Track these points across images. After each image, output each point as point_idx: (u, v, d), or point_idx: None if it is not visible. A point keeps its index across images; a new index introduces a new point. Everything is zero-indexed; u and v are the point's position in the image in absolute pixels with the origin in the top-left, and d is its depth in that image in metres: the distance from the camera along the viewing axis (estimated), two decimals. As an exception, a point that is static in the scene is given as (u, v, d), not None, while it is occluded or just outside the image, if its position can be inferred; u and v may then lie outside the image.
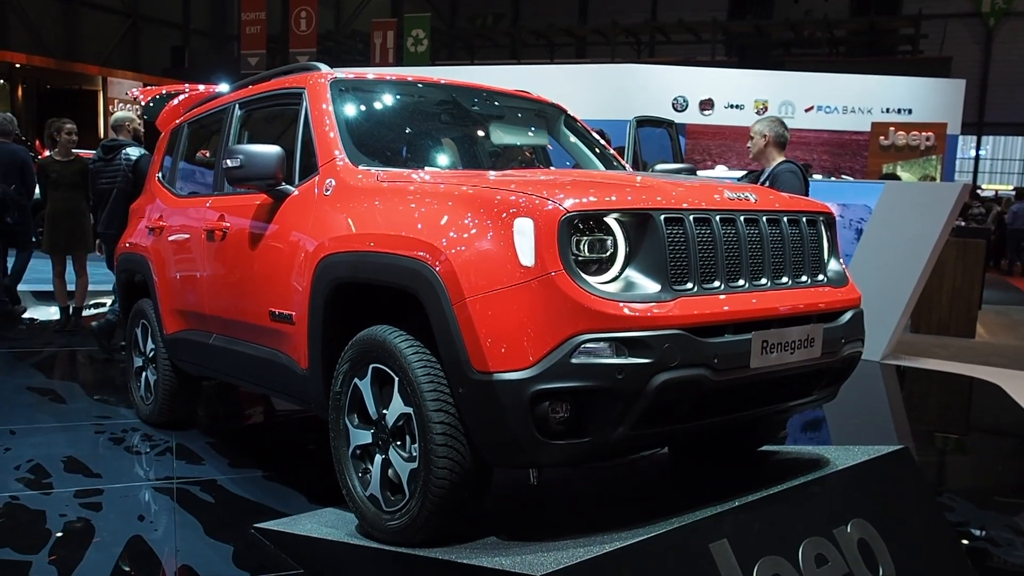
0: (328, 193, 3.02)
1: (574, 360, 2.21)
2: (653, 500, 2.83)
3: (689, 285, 2.40)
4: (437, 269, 2.41)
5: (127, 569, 2.89)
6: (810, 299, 2.69)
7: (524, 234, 2.30)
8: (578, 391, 2.23)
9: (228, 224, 3.59)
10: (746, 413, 2.62)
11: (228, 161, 3.12)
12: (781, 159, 5.06)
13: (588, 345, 2.22)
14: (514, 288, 2.28)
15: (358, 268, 2.74)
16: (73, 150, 7.08)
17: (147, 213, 4.55)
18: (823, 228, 2.93)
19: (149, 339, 4.44)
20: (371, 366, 2.66)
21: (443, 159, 3.60)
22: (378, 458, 2.67)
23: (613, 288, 2.31)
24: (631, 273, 2.35)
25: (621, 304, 2.26)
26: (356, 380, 2.74)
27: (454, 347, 2.35)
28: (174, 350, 4.18)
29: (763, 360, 2.47)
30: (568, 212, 2.29)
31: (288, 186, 3.23)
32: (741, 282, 2.53)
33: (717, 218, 2.50)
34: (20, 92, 25.36)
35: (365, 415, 2.73)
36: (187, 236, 4.00)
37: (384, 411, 2.63)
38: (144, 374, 4.55)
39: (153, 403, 4.44)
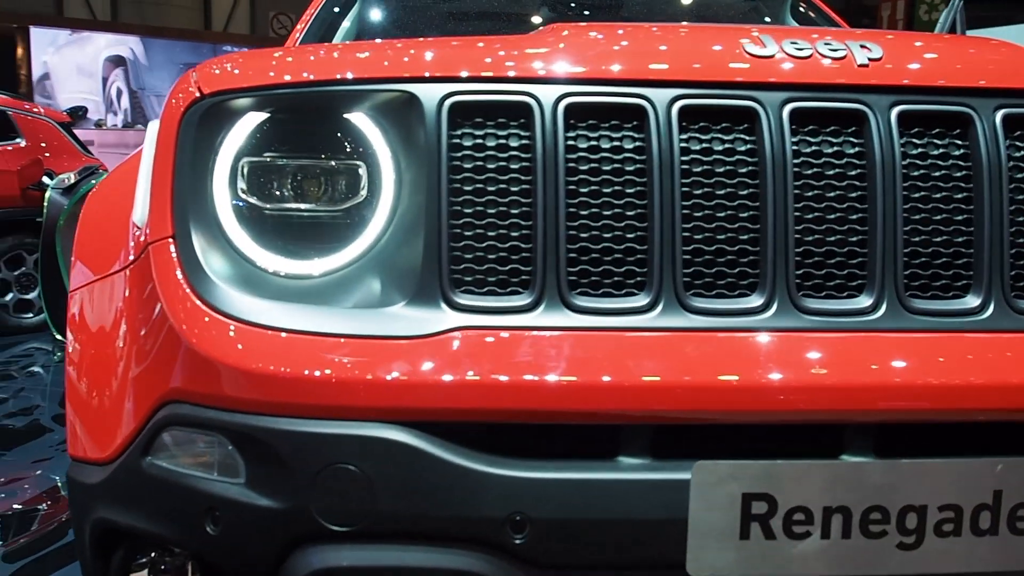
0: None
1: (146, 463, 0.90)
2: None
3: (527, 300, 0.87)
4: None
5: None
6: (998, 374, 0.86)
7: (148, 154, 1.04)
8: (161, 541, 0.91)
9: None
10: None
11: None
12: None
13: (175, 431, 0.89)
14: (109, 280, 1.05)
15: None
16: None
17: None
18: None
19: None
20: None
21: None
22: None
23: (324, 289, 0.91)
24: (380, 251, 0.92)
25: (271, 335, 0.86)
26: None
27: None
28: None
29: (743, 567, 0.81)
30: (205, 96, 0.94)
31: None
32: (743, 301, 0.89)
33: (675, 108, 0.88)
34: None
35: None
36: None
37: None
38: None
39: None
